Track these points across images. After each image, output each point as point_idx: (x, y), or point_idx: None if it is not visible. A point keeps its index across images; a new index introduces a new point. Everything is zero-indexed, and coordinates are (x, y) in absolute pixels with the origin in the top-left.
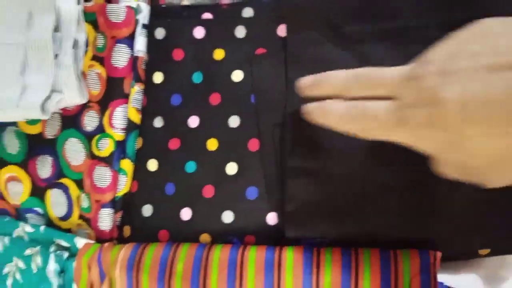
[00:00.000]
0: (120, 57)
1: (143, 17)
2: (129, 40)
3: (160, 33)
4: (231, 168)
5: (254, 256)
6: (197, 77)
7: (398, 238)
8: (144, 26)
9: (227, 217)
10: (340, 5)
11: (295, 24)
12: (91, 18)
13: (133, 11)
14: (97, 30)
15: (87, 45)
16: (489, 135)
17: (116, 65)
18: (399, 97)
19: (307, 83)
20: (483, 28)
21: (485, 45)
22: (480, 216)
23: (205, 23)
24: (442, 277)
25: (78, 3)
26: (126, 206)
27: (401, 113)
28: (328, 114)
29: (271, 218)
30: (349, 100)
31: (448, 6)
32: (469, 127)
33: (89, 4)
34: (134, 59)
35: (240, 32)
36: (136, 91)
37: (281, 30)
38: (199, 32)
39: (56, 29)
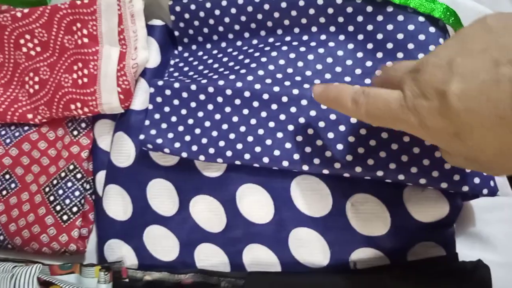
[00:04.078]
0: None
1: None
2: None
3: None
4: None
5: None
6: None
7: None
8: None
9: None
10: None
11: None
12: None
13: None
14: None
15: None
16: (490, 127)
17: None
18: (408, 88)
19: (317, 91)
20: (486, 24)
21: (489, 41)
22: None
23: None
24: None
25: None
26: None
27: (411, 103)
28: (337, 97)
29: None
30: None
31: None
32: (471, 120)
33: None
34: None
35: None
36: None
37: None
38: None
39: None
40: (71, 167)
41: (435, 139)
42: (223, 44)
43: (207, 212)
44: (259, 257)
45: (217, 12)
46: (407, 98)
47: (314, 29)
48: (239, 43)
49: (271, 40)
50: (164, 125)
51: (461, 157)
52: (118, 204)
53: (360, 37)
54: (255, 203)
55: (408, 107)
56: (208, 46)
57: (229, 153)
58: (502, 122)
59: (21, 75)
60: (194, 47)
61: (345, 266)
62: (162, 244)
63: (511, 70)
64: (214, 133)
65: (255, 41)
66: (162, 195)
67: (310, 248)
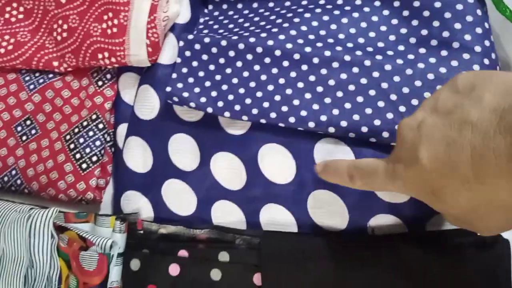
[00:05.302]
0: None
1: (119, 247)
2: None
3: (135, 264)
4: None
5: None
6: None
7: None
8: (120, 254)
9: None
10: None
11: (271, 274)
12: (66, 257)
13: (106, 258)
14: (70, 270)
15: (60, 282)
16: (458, 188)
17: None
18: (392, 152)
19: (319, 169)
20: (456, 84)
21: (456, 102)
22: None
23: (180, 261)
24: None
25: (52, 236)
26: None
27: (392, 168)
28: (334, 174)
29: None
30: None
31: None
32: (443, 182)
33: (63, 245)
34: None
35: (216, 275)
36: None
37: (257, 279)
38: (174, 270)
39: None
40: (94, 116)
41: (421, 198)
42: (255, 5)
43: (227, 169)
44: (276, 217)
45: None
46: (389, 163)
47: None
48: (271, 4)
49: (304, 2)
50: (191, 79)
51: (451, 216)
52: (138, 156)
53: (397, 4)
54: (276, 163)
55: (390, 171)
56: (239, 6)
57: (255, 111)
58: (467, 186)
59: (50, 22)
60: (225, 6)
61: (363, 231)
62: (180, 198)
63: (472, 134)
64: (241, 90)
65: (287, 3)
66: (183, 150)
67: (329, 211)
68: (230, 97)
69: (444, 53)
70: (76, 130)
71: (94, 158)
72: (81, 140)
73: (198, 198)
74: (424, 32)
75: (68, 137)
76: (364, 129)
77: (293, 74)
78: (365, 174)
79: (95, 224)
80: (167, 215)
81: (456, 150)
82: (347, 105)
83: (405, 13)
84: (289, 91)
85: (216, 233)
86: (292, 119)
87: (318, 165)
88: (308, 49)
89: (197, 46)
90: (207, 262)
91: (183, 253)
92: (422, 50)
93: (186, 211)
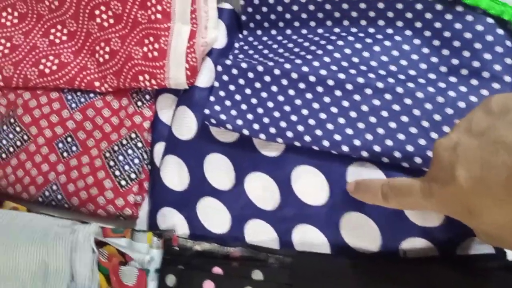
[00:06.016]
0: None
1: (156, 263)
2: None
3: (171, 280)
4: None
5: None
6: None
7: None
8: (156, 269)
9: None
10: None
11: None
12: (105, 272)
13: (145, 274)
14: (109, 284)
15: None
16: (491, 206)
17: None
18: (427, 172)
19: (351, 188)
20: (490, 106)
21: (489, 124)
22: None
23: (215, 278)
24: None
25: (93, 250)
26: None
27: (428, 186)
28: (367, 192)
29: None
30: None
31: None
32: (478, 200)
33: (104, 259)
34: None
35: None
36: None
37: None
38: (208, 286)
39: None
40: (133, 135)
41: (456, 217)
42: (288, 31)
43: (261, 189)
44: (309, 238)
45: (286, 0)
46: (424, 182)
47: (381, 22)
48: (304, 31)
49: (337, 30)
50: (228, 103)
51: (484, 234)
52: (175, 174)
53: (427, 33)
54: (310, 184)
55: (426, 189)
56: (273, 32)
57: (289, 134)
58: (499, 204)
59: (92, 44)
60: (259, 32)
61: (395, 253)
62: (215, 216)
63: (507, 154)
64: (276, 114)
65: (320, 30)
66: (219, 169)
67: (362, 233)
68: (266, 120)
69: (474, 82)
70: (116, 148)
71: (133, 175)
72: (121, 157)
73: (232, 217)
74: (455, 61)
75: (107, 154)
76: (397, 154)
77: (327, 100)
78: (399, 193)
79: (132, 239)
80: (201, 232)
81: (489, 170)
82: (380, 131)
83: (436, 42)
84: (323, 116)
85: (249, 251)
86: (326, 143)
87: (350, 184)
88: (341, 76)
89: (234, 71)
90: (241, 280)
91: (217, 270)
92: (453, 79)
93: (220, 229)
